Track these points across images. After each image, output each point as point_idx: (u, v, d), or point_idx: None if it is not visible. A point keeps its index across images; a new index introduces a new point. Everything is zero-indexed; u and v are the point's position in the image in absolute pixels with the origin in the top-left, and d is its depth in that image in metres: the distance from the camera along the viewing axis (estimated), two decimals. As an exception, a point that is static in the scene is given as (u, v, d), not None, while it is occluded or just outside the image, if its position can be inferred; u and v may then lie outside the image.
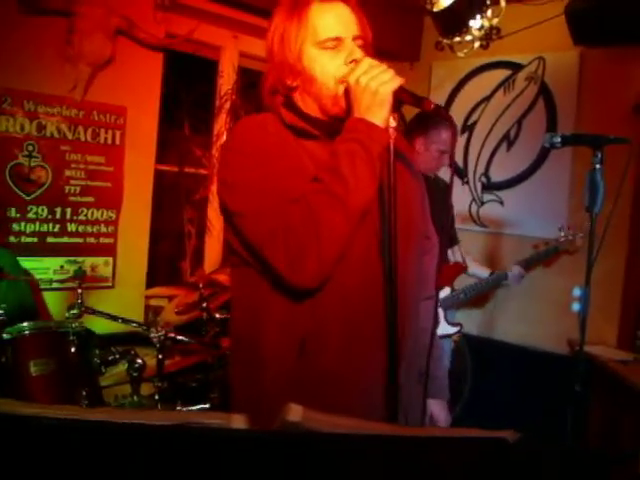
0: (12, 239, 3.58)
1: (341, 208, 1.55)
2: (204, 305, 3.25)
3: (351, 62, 1.66)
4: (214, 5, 4.09)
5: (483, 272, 3.90)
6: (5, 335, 2.47)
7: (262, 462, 0.75)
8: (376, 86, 1.57)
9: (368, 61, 1.62)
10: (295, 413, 0.80)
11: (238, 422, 0.80)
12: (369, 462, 0.80)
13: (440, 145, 3.35)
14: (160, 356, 2.82)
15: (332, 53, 1.68)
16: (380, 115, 1.60)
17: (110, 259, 3.98)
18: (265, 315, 1.70)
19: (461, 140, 4.94)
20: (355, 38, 1.70)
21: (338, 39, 1.68)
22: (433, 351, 1.78)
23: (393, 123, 1.62)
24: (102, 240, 3.94)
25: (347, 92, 1.65)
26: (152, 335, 2.79)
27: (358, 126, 1.60)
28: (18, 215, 3.61)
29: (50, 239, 3.74)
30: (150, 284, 4.21)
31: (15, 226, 3.60)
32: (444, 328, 3.40)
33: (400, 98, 1.61)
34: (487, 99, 4.83)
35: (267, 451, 0.76)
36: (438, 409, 2.09)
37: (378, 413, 1.62)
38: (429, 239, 1.97)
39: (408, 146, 2.04)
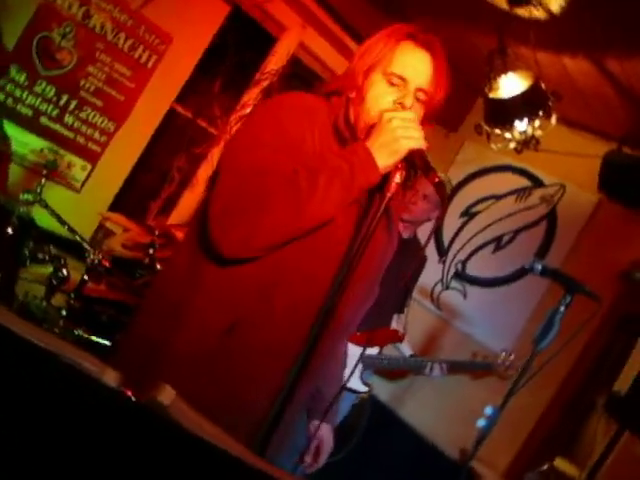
0: (9, 101, 3.54)
1: (294, 207, 1.57)
2: (151, 251, 3.22)
3: (398, 103, 1.70)
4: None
5: (406, 350, 3.89)
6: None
7: (107, 425, 0.74)
8: (401, 135, 1.61)
9: (410, 113, 1.67)
10: (167, 396, 0.79)
11: (110, 378, 0.78)
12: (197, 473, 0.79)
13: (424, 214, 3.38)
14: (86, 277, 2.78)
15: (390, 88, 1.73)
16: (385, 159, 1.62)
17: (89, 165, 3.94)
18: (201, 285, 1.70)
19: (457, 222, 4.97)
20: (418, 89, 1.74)
21: (403, 79, 1.73)
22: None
23: (398, 179, 1.63)
24: (90, 145, 3.90)
25: (376, 123, 1.69)
26: (89, 254, 2.75)
27: (360, 153, 1.63)
28: (26, 83, 3.57)
29: (43, 120, 3.69)
30: (114, 207, 4.17)
31: (18, 91, 3.56)
32: (356, 383, 3.39)
33: (414, 160, 1.63)
34: (497, 197, 4.86)
35: (116, 417, 0.75)
36: (327, 433, 2.18)
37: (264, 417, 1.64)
38: (373, 293, 1.99)
39: (400, 204, 2.06)
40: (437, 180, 1.65)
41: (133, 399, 0.82)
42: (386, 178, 1.64)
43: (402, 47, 1.76)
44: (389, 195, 1.60)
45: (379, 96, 1.72)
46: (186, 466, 0.75)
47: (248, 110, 4.23)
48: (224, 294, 1.67)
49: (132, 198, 4.46)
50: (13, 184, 3.24)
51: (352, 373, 1.96)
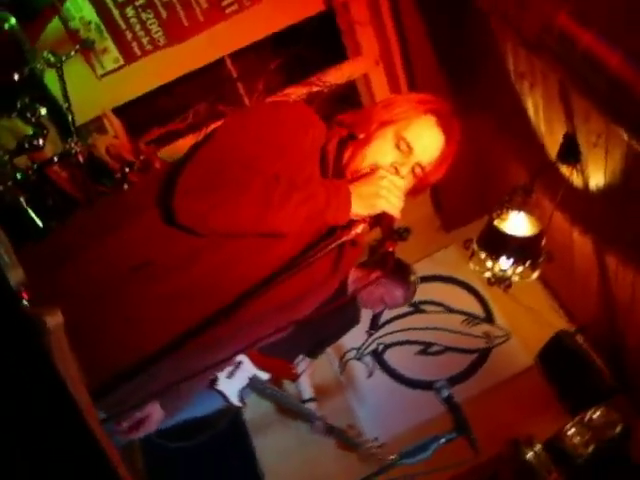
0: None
1: (260, 209, 1.60)
2: (126, 169, 3.19)
3: (394, 167, 1.74)
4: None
5: (306, 393, 3.90)
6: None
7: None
8: (384, 195, 1.67)
9: (401, 181, 1.71)
10: (54, 320, 0.78)
11: (15, 275, 0.77)
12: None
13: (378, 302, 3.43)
14: (55, 158, 2.75)
15: (395, 150, 1.79)
16: (359, 208, 1.68)
17: (122, 62, 3.88)
18: (139, 221, 1.71)
19: (402, 308, 4.98)
20: (418, 164, 1.79)
21: (410, 149, 1.78)
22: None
23: (359, 230, 1.68)
24: (134, 45, 3.83)
25: (365, 172, 1.73)
26: (71, 140, 2.72)
27: (341, 192, 1.68)
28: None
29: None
30: (119, 111, 4.12)
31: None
32: (233, 394, 3.36)
33: (382, 221, 1.68)
34: (449, 310, 4.91)
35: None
36: (157, 413, 2.12)
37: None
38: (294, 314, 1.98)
39: (355, 256, 2.07)
40: (391, 249, 1.69)
41: (24, 303, 0.81)
42: (350, 224, 1.68)
43: (424, 119, 1.80)
44: (344, 238, 1.64)
45: (381, 152, 1.77)
46: (31, 395, 0.74)
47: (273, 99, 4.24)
48: (153, 238, 1.68)
49: (140, 113, 4.41)
50: (45, 38, 3.18)
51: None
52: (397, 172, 1.75)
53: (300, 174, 1.71)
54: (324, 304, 1.98)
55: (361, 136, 1.82)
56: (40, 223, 3.03)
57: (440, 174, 1.86)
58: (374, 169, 1.73)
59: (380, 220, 1.70)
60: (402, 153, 1.77)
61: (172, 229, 1.65)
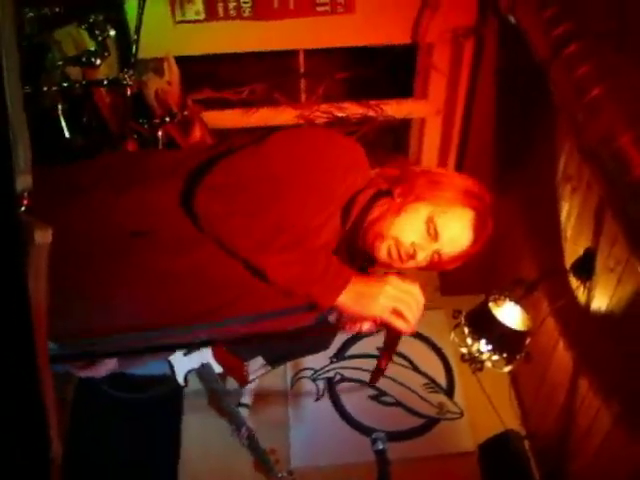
0: None
1: (258, 244, 1.59)
2: (167, 119, 3.18)
3: (413, 247, 1.69)
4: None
5: (246, 398, 3.90)
6: None
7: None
8: (382, 302, 1.61)
9: (418, 296, 1.64)
10: (43, 236, 0.78)
11: (22, 181, 0.77)
12: None
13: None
14: (105, 81, 2.74)
15: (421, 230, 1.72)
16: (349, 300, 1.61)
17: (203, 16, 3.87)
18: (150, 188, 1.70)
19: (372, 348, 4.96)
20: (438, 252, 1.73)
21: (436, 235, 1.71)
22: None
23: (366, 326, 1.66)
24: (219, 6, 3.85)
25: (384, 254, 1.69)
26: (125, 72, 2.71)
27: (341, 275, 1.62)
28: None
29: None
30: (184, 64, 4.12)
31: None
32: (181, 370, 3.34)
33: (387, 329, 1.65)
34: (415, 369, 4.89)
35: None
36: (111, 363, 2.10)
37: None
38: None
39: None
40: (384, 366, 1.69)
41: (21, 209, 0.80)
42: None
43: (462, 212, 1.75)
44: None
45: (408, 227, 1.71)
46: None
47: (338, 114, 4.25)
48: (165, 210, 1.67)
49: (200, 70, 4.41)
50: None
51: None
52: (414, 254, 1.71)
53: (317, 217, 1.67)
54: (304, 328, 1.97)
55: (397, 200, 1.76)
56: (67, 134, 3.04)
57: (455, 265, 1.83)
58: (387, 274, 1.67)
59: (388, 330, 1.66)
60: (428, 236, 1.72)
61: (184, 211, 1.64)
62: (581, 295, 3.44)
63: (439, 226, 1.71)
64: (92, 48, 2.58)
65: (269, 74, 4.45)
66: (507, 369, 3.64)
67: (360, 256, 1.80)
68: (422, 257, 1.73)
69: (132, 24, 2.90)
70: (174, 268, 1.65)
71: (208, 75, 4.49)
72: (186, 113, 3.23)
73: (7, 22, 0.82)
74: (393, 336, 1.67)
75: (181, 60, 4.12)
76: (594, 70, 2.78)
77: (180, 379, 3.36)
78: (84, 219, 1.63)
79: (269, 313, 1.83)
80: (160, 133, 3.23)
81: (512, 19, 3.50)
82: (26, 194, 0.82)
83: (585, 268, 3.34)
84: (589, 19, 3.10)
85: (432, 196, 1.74)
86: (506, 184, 4.43)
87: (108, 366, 2.10)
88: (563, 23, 3.05)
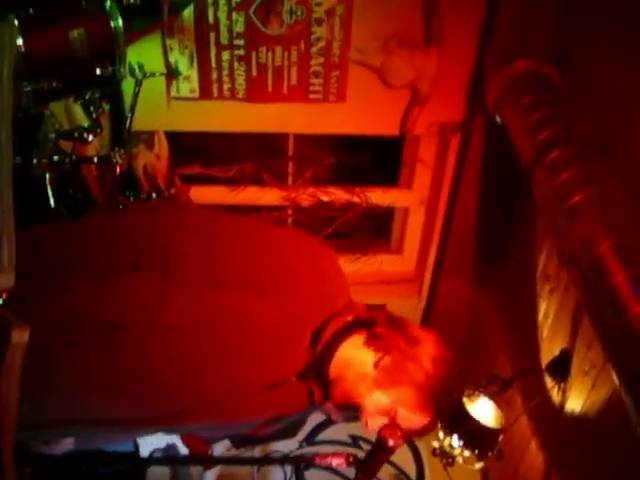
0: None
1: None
2: (153, 195, 3.20)
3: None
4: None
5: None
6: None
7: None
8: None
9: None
10: (19, 336, 0.77)
11: (4, 279, 0.77)
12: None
13: None
14: (95, 159, 2.75)
15: (382, 411, 1.71)
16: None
17: (197, 92, 3.91)
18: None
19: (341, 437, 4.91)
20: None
21: (394, 419, 1.71)
22: None
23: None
24: (214, 87, 3.91)
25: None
26: (116, 149, 2.74)
27: None
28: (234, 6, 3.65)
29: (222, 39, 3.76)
30: (174, 139, 4.18)
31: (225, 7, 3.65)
32: (146, 449, 3.27)
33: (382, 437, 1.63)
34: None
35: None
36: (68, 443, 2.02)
37: None
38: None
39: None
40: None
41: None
42: None
43: (426, 411, 1.72)
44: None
45: (372, 406, 1.70)
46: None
47: (323, 198, 4.30)
48: (133, 304, 1.64)
49: (190, 143, 4.46)
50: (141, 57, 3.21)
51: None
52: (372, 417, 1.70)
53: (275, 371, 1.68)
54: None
55: (374, 371, 1.71)
56: (52, 203, 3.04)
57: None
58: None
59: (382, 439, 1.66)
60: (387, 415, 1.71)
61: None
62: (555, 395, 3.44)
63: (399, 417, 1.69)
64: (86, 124, 2.61)
65: (258, 154, 4.51)
66: (478, 466, 3.60)
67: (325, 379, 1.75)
68: (366, 422, 1.72)
69: (127, 102, 2.94)
70: (141, 365, 1.60)
71: (198, 150, 4.54)
72: (173, 191, 3.25)
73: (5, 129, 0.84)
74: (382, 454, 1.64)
75: (173, 133, 4.17)
76: (576, 177, 2.85)
77: (144, 456, 3.30)
78: (60, 306, 1.60)
79: (228, 427, 1.81)
80: (143, 195, 3.24)
81: (498, 119, 3.59)
82: (6, 290, 0.82)
83: (560, 369, 3.35)
84: (574, 126, 3.19)
85: (402, 392, 1.70)
86: (486, 278, 4.48)
87: (65, 445, 2.05)
88: (548, 128, 3.13)
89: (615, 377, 2.50)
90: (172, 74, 2.73)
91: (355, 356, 1.68)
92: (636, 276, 2.47)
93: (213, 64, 3.85)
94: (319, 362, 1.71)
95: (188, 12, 3.58)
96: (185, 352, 1.58)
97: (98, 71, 2.38)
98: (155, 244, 1.66)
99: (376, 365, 1.66)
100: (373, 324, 1.70)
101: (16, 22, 2.17)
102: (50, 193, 2.97)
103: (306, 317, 1.69)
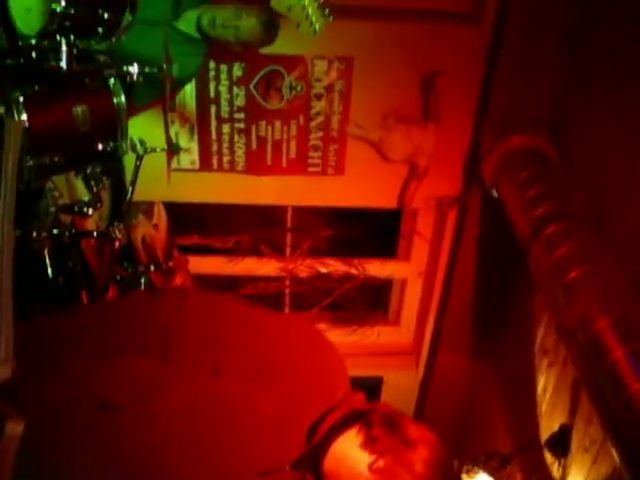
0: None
1: None
2: (151, 267, 3.20)
3: None
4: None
5: None
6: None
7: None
8: None
9: None
10: (13, 429, 0.77)
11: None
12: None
13: None
14: (94, 233, 2.77)
15: None
16: None
17: (197, 164, 3.98)
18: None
19: None
20: None
21: None
22: None
23: None
24: (214, 159, 3.96)
25: None
26: (116, 224, 2.74)
27: None
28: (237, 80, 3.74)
29: (222, 112, 3.83)
30: (172, 205, 4.21)
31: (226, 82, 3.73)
32: None
33: None
34: None
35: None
36: None
37: None
38: None
39: None
40: None
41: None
42: None
43: None
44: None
45: None
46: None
47: (321, 269, 4.31)
48: (130, 386, 1.64)
49: (190, 213, 4.49)
50: (142, 129, 3.25)
51: None
52: None
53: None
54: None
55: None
56: (50, 274, 3.04)
57: None
58: None
59: None
60: None
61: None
62: (556, 472, 3.38)
63: None
64: (86, 198, 2.63)
65: (256, 225, 4.53)
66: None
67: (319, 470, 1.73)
68: None
69: (128, 174, 2.96)
70: (140, 448, 1.58)
71: (197, 220, 4.56)
72: (171, 264, 3.26)
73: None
74: None
75: (172, 203, 4.20)
76: (572, 252, 2.86)
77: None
78: (60, 383, 1.59)
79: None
80: (142, 280, 3.24)
81: (495, 193, 3.63)
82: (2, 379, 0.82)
83: (560, 444, 3.30)
84: (570, 198, 3.22)
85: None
86: (483, 350, 4.45)
87: None
88: (544, 203, 3.16)
89: (616, 455, 2.46)
90: (173, 150, 2.76)
91: (350, 454, 1.67)
92: (635, 352, 2.46)
93: (213, 136, 3.91)
94: (314, 453, 1.70)
95: (190, 86, 3.64)
96: (183, 438, 1.57)
97: (100, 146, 2.40)
98: (156, 329, 1.66)
99: (370, 467, 1.64)
100: (370, 420, 1.70)
101: (21, 99, 2.21)
102: (48, 263, 2.98)
103: (304, 409, 1.68)
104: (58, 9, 2.05)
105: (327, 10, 2.21)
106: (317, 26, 2.15)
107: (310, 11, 2.08)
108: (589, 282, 2.73)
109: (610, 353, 2.49)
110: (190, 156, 3.99)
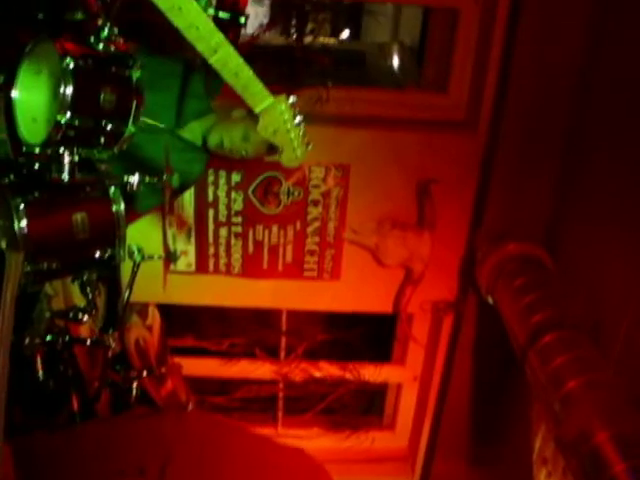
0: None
1: None
2: (144, 373, 3.17)
3: None
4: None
5: None
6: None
7: None
8: None
9: None
10: None
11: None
12: None
13: None
14: (88, 342, 2.74)
15: None
16: None
17: (193, 267, 3.98)
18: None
19: None
20: None
21: None
22: None
23: None
24: (210, 261, 3.97)
25: None
26: (110, 332, 2.72)
27: None
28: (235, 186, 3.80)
29: (220, 216, 3.87)
30: (167, 313, 4.21)
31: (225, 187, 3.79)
32: None
33: None
34: None
35: None
36: None
37: None
38: None
39: None
40: None
41: None
42: None
43: None
44: None
45: None
46: None
47: (315, 373, 4.27)
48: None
49: (189, 315, 4.48)
50: (140, 233, 3.26)
51: None
52: None
53: None
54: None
55: None
56: (41, 377, 3.01)
57: None
58: None
59: None
60: None
61: None
62: None
63: None
64: (80, 305, 2.63)
65: (251, 327, 4.51)
66: None
67: None
68: None
69: (124, 282, 2.96)
70: None
71: (191, 321, 4.55)
72: (164, 370, 3.22)
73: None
74: None
75: (169, 314, 4.20)
76: (570, 363, 2.84)
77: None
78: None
79: None
80: (135, 385, 3.20)
81: (491, 300, 3.63)
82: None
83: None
84: (566, 304, 3.22)
85: None
86: (480, 458, 4.36)
87: None
88: (540, 311, 3.16)
89: None
90: (170, 258, 2.76)
91: None
92: (636, 467, 2.41)
93: (210, 240, 3.94)
94: None
95: (189, 192, 3.69)
96: None
97: (97, 254, 2.41)
98: (155, 452, 1.65)
99: None
100: None
101: (22, 206, 2.22)
102: (39, 368, 2.94)
103: None
104: (63, 120, 2.08)
105: (308, 143, 2.24)
106: (299, 152, 2.18)
107: (293, 135, 2.11)
108: (587, 393, 2.70)
109: (611, 467, 2.44)
110: (187, 258, 4.00)
